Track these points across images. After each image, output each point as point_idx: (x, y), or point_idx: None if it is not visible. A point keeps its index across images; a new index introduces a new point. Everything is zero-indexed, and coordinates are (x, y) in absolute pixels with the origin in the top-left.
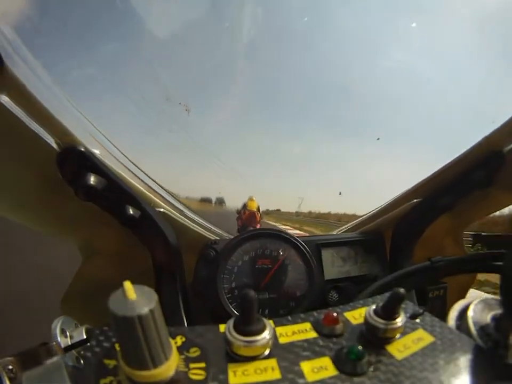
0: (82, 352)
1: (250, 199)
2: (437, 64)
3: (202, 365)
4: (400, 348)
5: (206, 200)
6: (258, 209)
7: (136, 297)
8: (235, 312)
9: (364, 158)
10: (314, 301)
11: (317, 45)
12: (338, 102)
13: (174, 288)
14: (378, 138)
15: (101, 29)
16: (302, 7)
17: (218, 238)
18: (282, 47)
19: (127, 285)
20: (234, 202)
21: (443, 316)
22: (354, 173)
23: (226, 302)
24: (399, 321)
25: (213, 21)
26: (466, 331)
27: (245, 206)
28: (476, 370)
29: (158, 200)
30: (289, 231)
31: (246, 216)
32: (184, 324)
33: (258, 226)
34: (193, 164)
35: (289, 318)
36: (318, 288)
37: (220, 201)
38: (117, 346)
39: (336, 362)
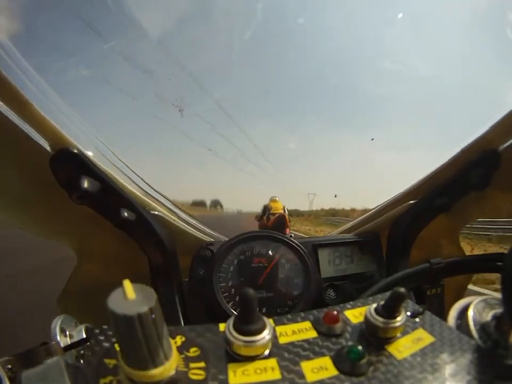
0: (82, 352)
1: (273, 200)
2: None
3: (202, 364)
4: (400, 348)
5: (199, 204)
6: (284, 211)
7: (136, 297)
8: (232, 311)
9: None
10: (311, 300)
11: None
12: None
13: (170, 289)
14: (372, 139)
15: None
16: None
17: (213, 240)
18: (277, 47)
19: (127, 284)
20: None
21: (441, 314)
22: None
23: (223, 300)
24: (400, 320)
25: (208, 20)
26: (467, 331)
27: (266, 209)
28: (476, 371)
29: (152, 203)
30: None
31: (274, 220)
32: (181, 323)
33: (288, 231)
34: (187, 159)
35: (289, 316)
36: (315, 287)
37: (216, 204)
38: (116, 346)
39: (336, 362)
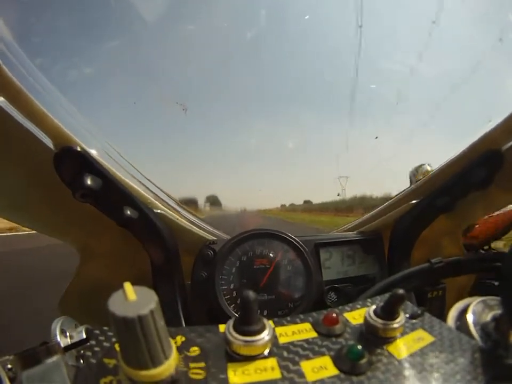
0: (82, 352)
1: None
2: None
3: (202, 364)
4: (400, 348)
5: (188, 203)
6: None
7: (136, 298)
8: (233, 313)
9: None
10: (312, 302)
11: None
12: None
13: (172, 289)
14: (376, 137)
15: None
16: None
17: (216, 239)
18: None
19: (127, 286)
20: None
21: (442, 316)
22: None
23: (224, 303)
24: (399, 321)
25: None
26: (466, 331)
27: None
28: (476, 370)
29: (155, 201)
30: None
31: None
32: (182, 324)
33: None
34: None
35: (289, 318)
36: (317, 289)
37: (212, 202)
38: (116, 346)
39: (336, 361)
